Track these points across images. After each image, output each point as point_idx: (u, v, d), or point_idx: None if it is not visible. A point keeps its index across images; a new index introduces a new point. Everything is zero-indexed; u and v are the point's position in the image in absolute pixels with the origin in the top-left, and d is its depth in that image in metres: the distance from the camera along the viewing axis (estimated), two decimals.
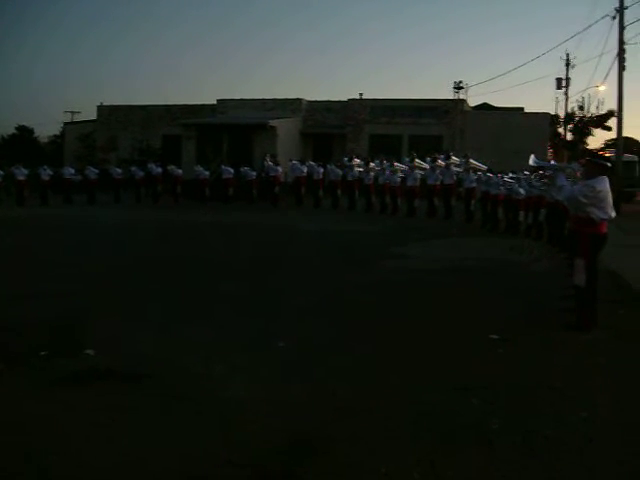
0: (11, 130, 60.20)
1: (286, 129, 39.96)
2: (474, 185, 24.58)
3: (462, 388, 6.38)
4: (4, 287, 11.35)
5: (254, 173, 32.58)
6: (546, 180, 14.75)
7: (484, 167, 25.27)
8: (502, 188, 21.49)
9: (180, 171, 34.25)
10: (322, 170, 31.07)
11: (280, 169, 32.05)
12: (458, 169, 26.49)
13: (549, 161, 17.95)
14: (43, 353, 7.37)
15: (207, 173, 33.38)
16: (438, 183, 26.41)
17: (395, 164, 28.42)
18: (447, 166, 26.70)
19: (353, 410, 5.86)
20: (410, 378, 6.72)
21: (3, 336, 8.19)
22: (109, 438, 5.23)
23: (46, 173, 32.28)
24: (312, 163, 32.04)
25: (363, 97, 43.52)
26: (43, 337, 8.06)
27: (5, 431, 5.36)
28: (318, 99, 43.80)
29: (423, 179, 27.21)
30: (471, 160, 26.20)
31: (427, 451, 5.02)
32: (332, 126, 42.70)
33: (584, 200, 8.58)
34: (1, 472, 4.71)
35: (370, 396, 6.21)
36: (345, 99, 43.12)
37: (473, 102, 48.90)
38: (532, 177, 18.73)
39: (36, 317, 9.09)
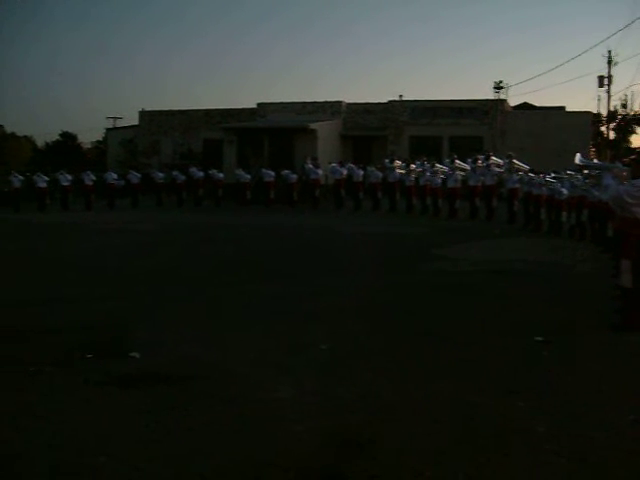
0: (55, 137, 61.14)
1: (326, 132, 39.93)
2: (517, 186, 24.37)
3: (507, 391, 6.33)
4: (49, 291, 11.54)
5: (295, 176, 32.65)
6: (592, 180, 14.58)
7: (526, 167, 25.04)
8: (544, 188, 21.28)
9: (221, 175, 34.45)
10: (362, 172, 31.03)
11: (320, 172, 32.07)
12: (499, 169, 26.30)
13: (593, 160, 17.72)
14: (89, 355, 7.48)
15: (248, 176, 33.54)
16: (479, 184, 26.22)
17: (436, 165, 28.29)
18: (488, 167, 26.49)
19: (398, 412, 5.85)
20: (455, 380, 6.68)
21: (49, 338, 8.33)
22: (155, 439, 5.29)
23: (89, 178, 32.68)
24: (352, 165, 31.99)
25: (403, 98, 43.38)
26: (89, 339, 8.17)
27: (54, 432, 5.45)
28: (358, 101, 43.70)
29: (464, 180, 27.07)
30: (514, 160, 25.97)
31: (472, 454, 4.99)
32: (372, 128, 42.60)
33: (630, 200, 8.47)
34: (54, 471, 4.80)
35: (415, 398, 6.19)
36: (385, 101, 42.98)
37: (513, 102, 48.42)
38: (577, 176, 18.53)
39: (81, 320, 9.24)
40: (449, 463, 4.87)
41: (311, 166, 32.07)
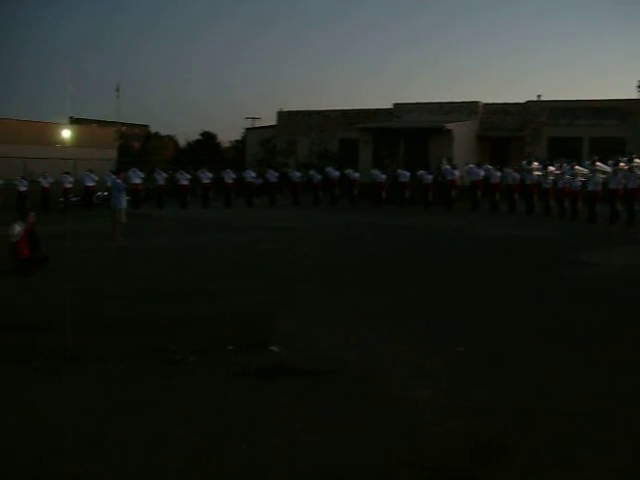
0: (196, 136, 63.20)
1: (462, 132, 39.52)
2: None
3: None
4: (194, 284, 12.05)
5: (430, 176, 32.50)
6: None
7: None
8: None
9: (357, 174, 34.66)
10: (499, 174, 30.59)
11: (457, 173, 31.80)
12: None
13: None
14: (230, 347, 7.80)
15: (384, 176, 33.63)
16: (621, 187, 25.36)
17: (575, 167, 27.59)
18: (630, 169, 25.62)
19: (536, 417, 5.82)
20: (594, 388, 6.59)
21: (194, 329, 8.76)
22: (291, 431, 5.49)
23: (229, 176, 33.56)
24: (489, 167, 31.57)
25: (541, 99, 42.42)
26: (230, 331, 8.52)
27: (198, 419, 5.75)
28: (495, 101, 43.01)
29: (605, 183, 26.25)
30: None
31: (614, 465, 4.92)
32: (509, 129, 41.85)
33: None
34: (198, 456, 5.08)
35: (552, 404, 6.14)
36: (523, 101, 42.15)
37: None
38: None
39: (224, 312, 9.65)
40: (588, 473, 4.83)
41: (448, 167, 31.88)
